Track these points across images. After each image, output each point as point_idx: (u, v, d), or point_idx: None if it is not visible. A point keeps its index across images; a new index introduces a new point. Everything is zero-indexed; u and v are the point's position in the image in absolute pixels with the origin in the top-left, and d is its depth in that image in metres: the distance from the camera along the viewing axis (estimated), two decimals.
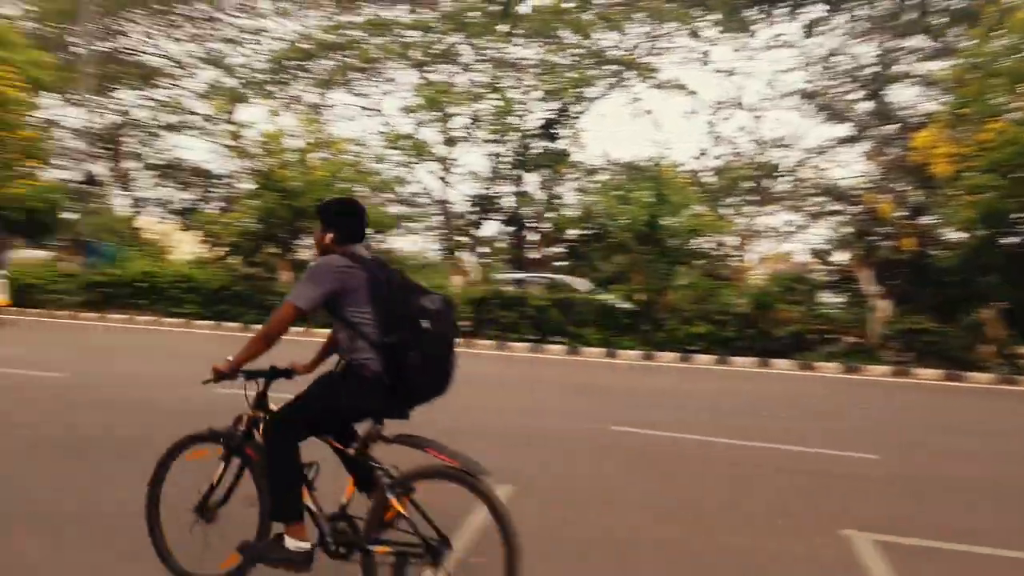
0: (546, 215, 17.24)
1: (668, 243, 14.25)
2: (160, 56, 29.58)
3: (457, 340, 2.86)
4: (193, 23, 27.92)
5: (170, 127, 29.98)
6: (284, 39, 27.60)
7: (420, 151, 18.05)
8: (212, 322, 15.39)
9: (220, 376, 2.83)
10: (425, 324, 2.61)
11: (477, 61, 23.04)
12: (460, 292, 15.34)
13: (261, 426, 2.92)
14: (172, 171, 31.40)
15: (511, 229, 18.26)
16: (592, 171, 22.43)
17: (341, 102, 28.07)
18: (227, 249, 17.86)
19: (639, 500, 4.69)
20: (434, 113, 17.96)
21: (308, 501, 2.77)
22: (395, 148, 18.03)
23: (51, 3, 26.82)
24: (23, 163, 19.36)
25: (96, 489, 4.34)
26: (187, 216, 30.00)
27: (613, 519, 4.24)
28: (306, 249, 17.90)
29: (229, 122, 26.54)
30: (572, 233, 16.50)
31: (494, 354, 12.95)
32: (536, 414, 7.54)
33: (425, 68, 25.17)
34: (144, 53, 29.61)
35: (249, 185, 18.10)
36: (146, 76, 29.28)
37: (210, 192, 31.25)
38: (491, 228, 19.48)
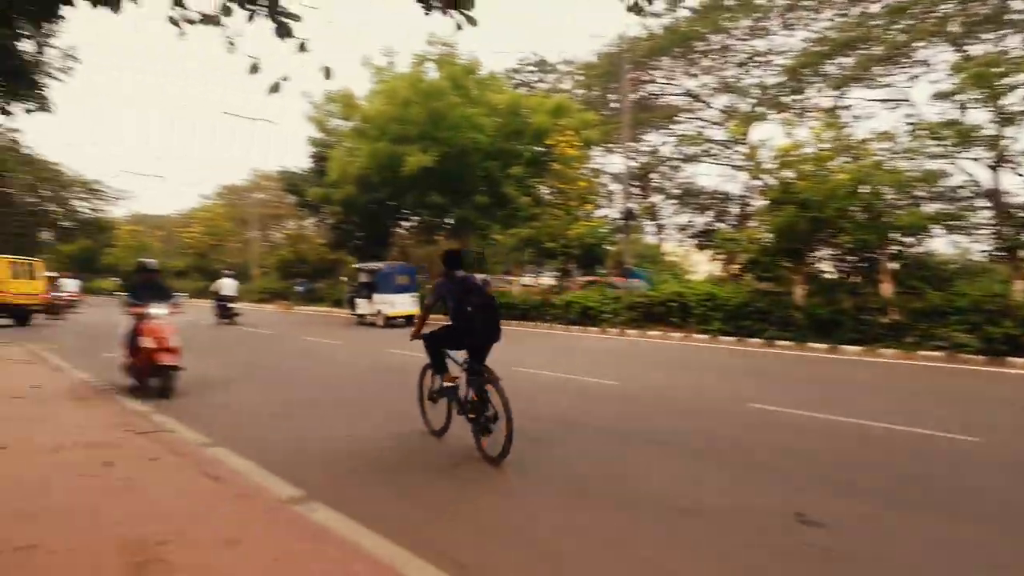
0: None
1: None
2: (680, 94, 32.53)
3: (496, 318, 5.55)
4: (708, 56, 29.84)
5: (689, 158, 32.63)
6: (793, 50, 27.17)
7: (964, 137, 15.25)
8: (734, 338, 15.94)
9: (413, 338, 6.18)
10: (468, 308, 5.48)
11: None
12: None
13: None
14: (690, 197, 34.08)
15: None
16: None
17: (860, 99, 26.07)
18: (742, 266, 18.31)
19: None
20: (982, 89, 14.97)
21: (456, 395, 5.93)
22: (931, 139, 15.67)
23: (592, 70, 32.34)
24: (580, 208, 23.75)
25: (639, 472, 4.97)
26: (703, 238, 32.02)
27: None
28: (826, 260, 17.03)
29: (744, 142, 27.36)
30: None
31: None
32: None
33: (964, 40, 21.37)
34: (666, 95, 33.02)
35: (764, 201, 18.22)
36: (669, 115, 32.57)
37: (725, 212, 32.76)
38: None
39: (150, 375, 8.44)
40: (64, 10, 4.31)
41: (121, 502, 4.26)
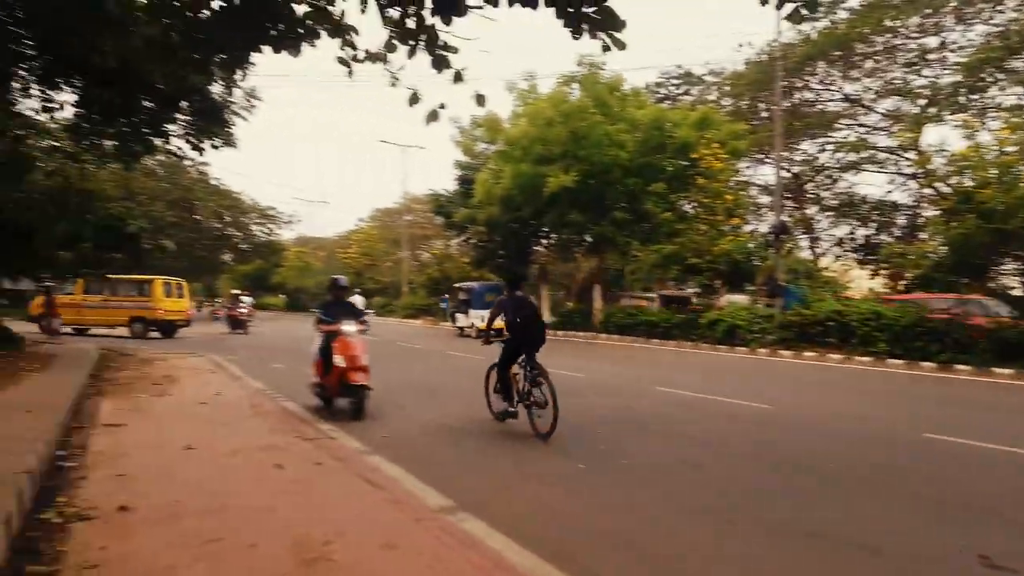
0: None
1: None
2: (838, 100, 30.39)
3: (541, 328, 7.41)
4: (870, 58, 27.70)
5: (848, 166, 30.33)
6: (971, 45, 24.62)
7: None
8: (903, 361, 14.57)
9: (484, 343, 7.86)
10: (517, 320, 7.28)
11: None
12: None
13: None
14: (849, 208, 31.61)
15: None
16: None
17: None
18: (911, 282, 16.78)
19: None
20: None
21: (515, 387, 7.43)
22: None
23: (741, 79, 31.01)
24: (726, 222, 22.84)
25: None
26: (865, 252, 29.52)
27: None
28: (1012, 276, 15.25)
29: (914, 148, 25.09)
30: None
31: None
32: None
33: None
34: (823, 101, 30.95)
35: (937, 212, 16.60)
36: (826, 122, 30.48)
37: (890, 224, 30.07)
38: None
39: (339, 394, 8.22)
40: (251, 56, 4.82)
41: (291, 502, 4.63)
